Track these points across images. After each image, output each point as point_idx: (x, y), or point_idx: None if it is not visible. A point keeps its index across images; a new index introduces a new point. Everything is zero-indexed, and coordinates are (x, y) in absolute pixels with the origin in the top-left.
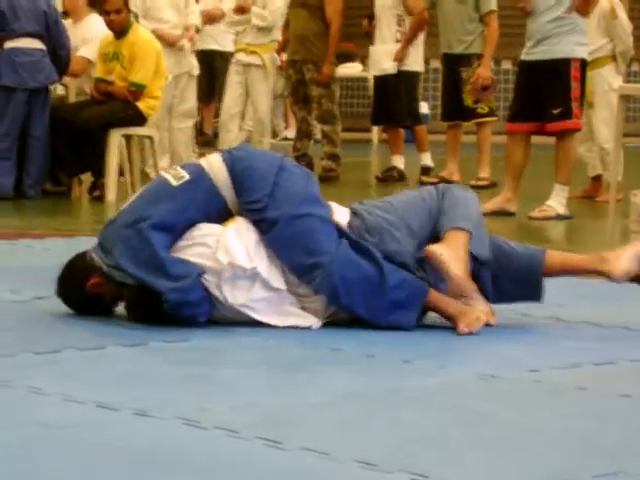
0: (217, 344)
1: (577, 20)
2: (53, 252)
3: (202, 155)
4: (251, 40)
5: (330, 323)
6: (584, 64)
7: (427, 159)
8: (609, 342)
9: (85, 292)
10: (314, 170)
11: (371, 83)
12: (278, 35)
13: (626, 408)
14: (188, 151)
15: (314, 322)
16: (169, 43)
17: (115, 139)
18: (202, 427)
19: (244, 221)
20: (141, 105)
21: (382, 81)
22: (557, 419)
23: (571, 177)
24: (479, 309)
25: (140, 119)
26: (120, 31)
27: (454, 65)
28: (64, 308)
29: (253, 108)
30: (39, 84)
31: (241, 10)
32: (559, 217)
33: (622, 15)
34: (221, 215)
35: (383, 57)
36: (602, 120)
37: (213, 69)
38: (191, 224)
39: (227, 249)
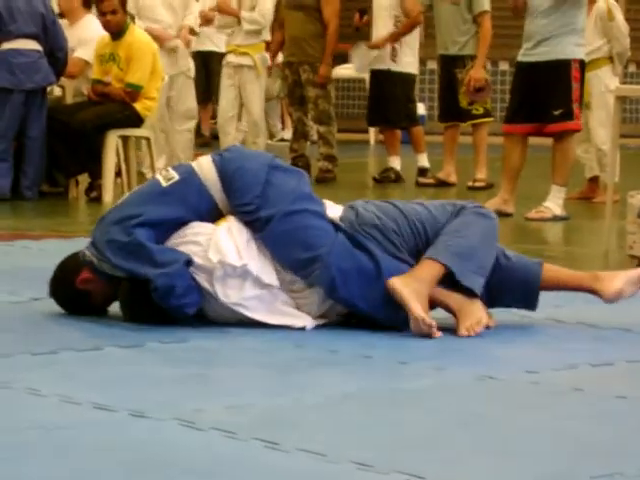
0: (214, 345)
1: (576, 21)
2: (50, 253)
3: (199, 156)
4: (241, 41)
5: (327, 325)
6: (583, 65)
7: (424, 160)
8: (606, 343)
9: (75, 288)
10: (311, 171)
11: (368, 84)
12: (267, 35)
13: (623, 409)
14: (187, 153)
15: (308, 322)
16: (159, 42)
17: (112, 140)
18: (199, 428)
19: (236, 220)
20: (138, 106)
21: (377, 82)
22: (554, 420)
23: (569, 178)
24: (480, 310)
25: (137, 120)
26: (116, 32)
27: (450, 66)
28: (61, 309)
29: (246, 109)
30: (36, 85)
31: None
32: (556, 218)
33: (619, 16)
34: (212, 215)
35: (378, 55)
36: (599, 121)
37: (209, 70)
38: (181, 223)
39: (218, 247)
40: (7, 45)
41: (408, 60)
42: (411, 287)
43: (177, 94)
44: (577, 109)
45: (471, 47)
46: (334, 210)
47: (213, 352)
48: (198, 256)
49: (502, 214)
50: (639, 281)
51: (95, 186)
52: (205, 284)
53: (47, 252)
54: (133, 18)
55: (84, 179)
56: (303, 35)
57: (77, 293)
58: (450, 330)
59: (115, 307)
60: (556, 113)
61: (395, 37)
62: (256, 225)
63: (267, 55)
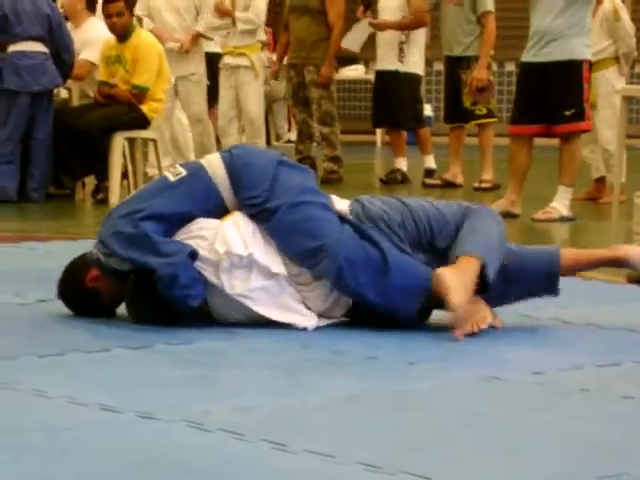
0: (221, 346)
1: (585, 21)
2: (57, 255)
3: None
4: (237, 43)
5: (332, 325)
6: (590, 65)
7: (430, 161)
8: (612, 344)
9: (84, 287)
10: (317, 172)
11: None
12: (262, 35)
13: (629, 410)
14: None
15: (313, 322)
16: (161, 42)
17: (118, 142)
18: (206, 429)
19: (241, 215)
20: (144, 108)
21: (383, 82)
22: (561, 421)
23: (575, 179)
24: (485, 308)
25: (143, 122)
26: (122, 34)
27: (454, 67)
28: (68, 311)
29: (243, 109)
30: (42, 87)
31: (221, 13)
32: (563, 219)
33: (625, 17)
34: (219, 211)
35: (384, 55)
36: (605, 122)
37: (214, 72)
38: (188, 218)
39: (224, 239)
40: (13, 47)
41: (415, 60)
42: (460, 280)
43: (183, 98)
44: (588, 109)
45: (475, 48)
46: (341, 204)
47: (220, 353)
48: (204, 250)
49: (509, 215)
50: None
51: (101, 188)
52: (211, 278)
53: (54, 254)
54: (140, 21)
55: (90, 181)
56: (308, 37)
57: (86, 292)
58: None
59: (122, 309)
60: (567, 113)
61: (398, 27)
62: (263, 216)
63: (264, 56)
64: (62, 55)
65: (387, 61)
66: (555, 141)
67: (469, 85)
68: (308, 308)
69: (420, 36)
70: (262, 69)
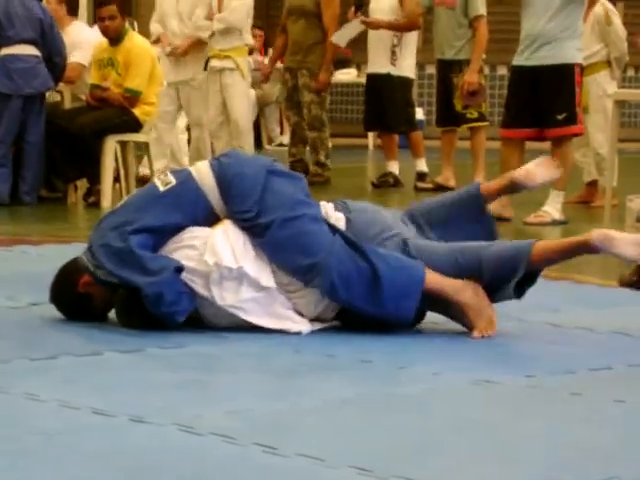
0: (213, 350)
1: (577, 25)
2: (49, 258)
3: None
4: (223, 46)
5: (324, 329)
6: (582, 69)
7: (422, 165)
8: (604, 347)
9: (76, 291)
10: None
11: None
12: (249, 39)
13: (621, 414)
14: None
15: (305, 327)
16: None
17: (110, 145)
18: (198, 433)
19: (232, 223)
20: (137, 111)
21: (375, 86)
22: (552, 425)
23: (567, 183)
24: (489, 307)
25: (135, 125)
26: (115, 38)
27: (446, 71)
28: (60, 314)
29: (229, 110)
30: (34, 91)
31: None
32: (555, 222)
33: (616, 21)
34: (209, 220)
35: (376, 58)
36: (597, 126)
37: None
38: (178, 228)
39: (214, 250)
40: (5, 50)
41: (407, 63)
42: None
43: (184, 103)
44: (580, 113)
45: (467, 52)
46: (327, 208)
47: (212, 357)
48: (194, 260)
49: (501, 219)
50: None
51: (93, 191)
52: (201, 290)
53: (46, 257)
54: (132, 25)
55: (83, 184)
56: (304, 41)
57: (79, 297)
58: (447, 334)
59: (114, 313)
60: (560, 117)
61: (391, 27)
62: (255, 231)
63: (251, 59)
64: (54, 58)
65: (379, 64)
66: (547, 145)
67: (460, 89)
68: (300, 314)
69: (412, 39)
70: (248, 72)
